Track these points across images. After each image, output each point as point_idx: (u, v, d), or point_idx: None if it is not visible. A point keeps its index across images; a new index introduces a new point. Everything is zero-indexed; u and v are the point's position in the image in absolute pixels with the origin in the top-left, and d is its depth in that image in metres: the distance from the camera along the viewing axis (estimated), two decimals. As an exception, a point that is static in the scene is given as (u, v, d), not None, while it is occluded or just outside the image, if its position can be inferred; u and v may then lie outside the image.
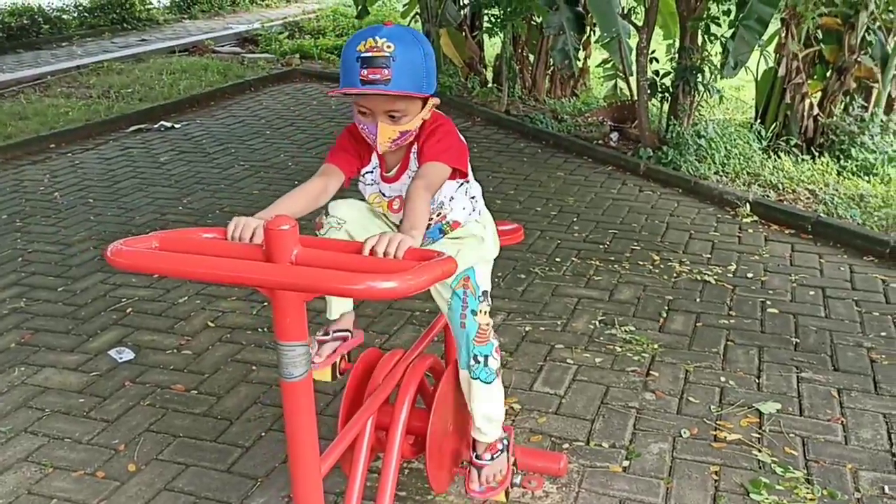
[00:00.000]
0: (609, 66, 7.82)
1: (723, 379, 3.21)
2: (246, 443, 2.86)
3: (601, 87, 8.77)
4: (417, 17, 10.18)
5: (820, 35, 6.64)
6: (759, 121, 6.64)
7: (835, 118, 6.56)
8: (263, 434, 2.91)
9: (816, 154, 6.26)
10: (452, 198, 2.16)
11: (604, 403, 3.06)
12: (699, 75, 6.16)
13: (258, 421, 2.99)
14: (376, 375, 2.06)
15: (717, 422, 2.92)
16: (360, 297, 1.37)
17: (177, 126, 7.75)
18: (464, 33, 9.19)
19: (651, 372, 3.27)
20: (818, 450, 2.76)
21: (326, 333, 2.28)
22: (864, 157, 6.16)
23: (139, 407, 3.11)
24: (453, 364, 2.21)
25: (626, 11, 6.66)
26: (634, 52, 6.37)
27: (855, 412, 2.97)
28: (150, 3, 14.96)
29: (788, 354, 3.40)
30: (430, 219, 2.21)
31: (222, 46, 12.24)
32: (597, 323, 3.69)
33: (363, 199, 2.26)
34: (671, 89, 6.38)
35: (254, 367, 3.38)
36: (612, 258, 4.43)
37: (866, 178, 5.88)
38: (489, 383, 2.20)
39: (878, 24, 6.60)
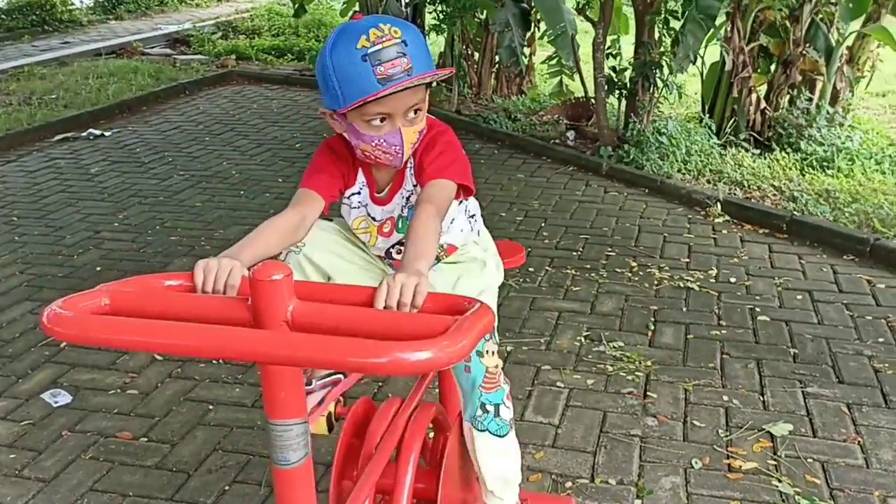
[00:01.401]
0: (554, 62, 7.62)
1: (725, 398, 2.99)
2: (207, 500, 2.51)
3: (545, 84, 8.56)
4: (357, 14, 9.83)
5: (767, 27, 6.61)
6: (708, 115, 6.52)
7: (782, 111, 6.48)
8: (227, 488, 2.56)
9: (767, 148, 6.17)
10: (453, 219, 1.86)
11: (603, 432, 2.80)
12: (658, 71, 5.97)
13: (220, 472, 2.64)
14: (373, 431, 1.75)
15: (729, 448, 2.69)
16: (386, 373, 1.06)
17: (107, 134, 7.24)
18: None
19: (649, 393, 3.02)
20: (841, 476, 2.54)
21: (310, 383, 1.95)
22: (812, 149, 6.10)
23: (81, 461, 2.72)
24: (459, 415, 1.91)
25: (580, 6, 6.43)
26: (591, 48, 6.15)
27: (870, 430, 2.77)
28: (72, 4, 14.20)
29: (789, 367, 3.19)
30: None
31: (152, 48, 11.67)
32: (582, 339, 3.43)
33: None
34: (629, 86, 6.18)
35: (210, 407, 3.02)
36: (588, 266, 4.18)
37: (828, 172, 5.80)
38: (502, 437, 1.89)
39: (820, 16, 6.56)
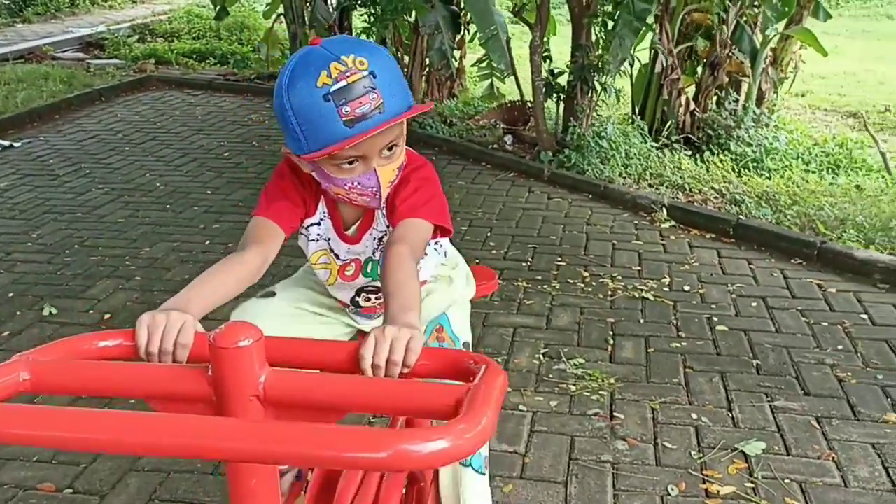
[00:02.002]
0: (484, 65, 7.49)
1: (694, 416, 2.87)
2: (146, 559, 2.26)
3: (475, 87, 8.43)
4: (281, 18, 9.53)
5: (694, 30, 6.65)
6: (639, 117, 6.49)
7: (710, 113, 6.52)
8: (168, 543, 2.31)
9: (697, 149, 6.18)
10: (425, 254, 1.67)
11: (573, 459, 2.64)
12: (597, 74, 5.89)
13: (159, 525, 2.38)
14: (343, 490, 1.53)
15: (704, 472, 2.57)
16: (392, 469, 0.86)
17: (16, 144, 6.76)
18: (334, 35, 8.63)
19: (615, 413, 2.89)
20: (820, 496, 2.45)
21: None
22: (742, 150, 6.16)
23: (-3, 520, 2.42)
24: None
25: (516, 9, 6.31)
26: (528, 51, 6.03)
27: (843, 445, 2.69)
28: (-26, 6, 13.43)
29: (753, 380, 3.10)
30: (381, 290, 1.72)
31: (63, 52, 11.07)
32: (541, 357, 3.28)
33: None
34: (567, 89, 6.09)
35: (144, 449, 2.74)
36: (540, 277, 4.04)
37: (762, 174, 5.83)
38: (482, 475, 1.72)
39: (744, 19, 6.62)
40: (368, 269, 1.66)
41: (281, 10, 9.60)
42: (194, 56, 10.72)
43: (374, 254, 1.64)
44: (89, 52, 11.22)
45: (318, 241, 1.63)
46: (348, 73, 1.30)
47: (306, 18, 8.94)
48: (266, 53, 9.75)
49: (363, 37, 7.57)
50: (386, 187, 1.44)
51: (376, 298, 1.73)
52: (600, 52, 5.86)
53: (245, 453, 0.82)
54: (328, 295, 1.77)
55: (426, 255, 1.65)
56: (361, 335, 1.81)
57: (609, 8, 5.87)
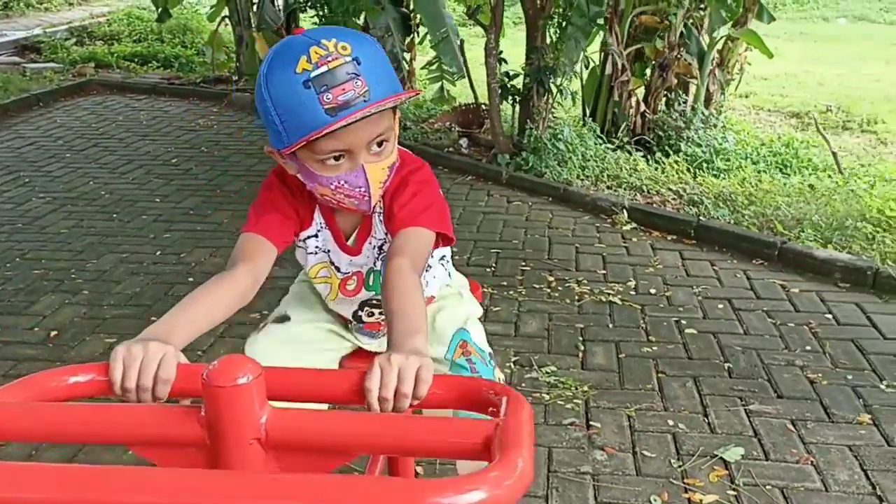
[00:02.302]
0: (434, 67, 7.42)
1: (671, 422, 2.83)
2: None
3: (426, 89, 8.36)
4: (227, 20, 9.31)
5: (643, 32, 6.70)
6: (590, 118, 6.50)
7: (660, 114, 6.56)
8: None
9: (648, 150, 6.21)
10: (429, 266, 1.57)
11: (552, 472, 2.57)
12: (552, 76, 5.86)
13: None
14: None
15: (685, 480, 2.52)
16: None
17: (-51, 153, 6.46)
18: (281, 38, 8.45)
19: (591, 423, 2.83)
20: (802, 502, 2.42)
21: None
22: (692, 151, 6.21)
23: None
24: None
25: (471, 11, 6.25)
26: (483, 53, 5.97)
27: (820, 448, 2.68)
28: None
29: (726, 383, 3.08)
30: None
31: (-3, 56, 10.65)
32: (512, 365, 3.21)
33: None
34: (523, 91, 6.04)
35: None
36: (505, 283, 3.97)
37: (716, 174, 5.87)
38: None
39: (691, 21, 6.69)
40: (371, 282, 1.56)
41: (226, 12, 9.38)
42: (136, 59, 10.42)
43: (375, 264, 1.54)
44: (25, 56, 10.81)
45: (316, 253, 1.53)
46: (329, 59, 1.21)
47: (252, 21, 8.75)
48: (211, 56, 9.51)
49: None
50: (376, 188, 1.34)
51: (380, 313, 1.63)
52: (556, 54, 5.82)
53: (256, 512, 0.72)
54: (328, 310, 1.67)
55: (429, 268, 1.56)
56: (356, 356, 1.71)
57: (563, 9, 5.85)
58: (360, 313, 1.62)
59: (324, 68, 1.20)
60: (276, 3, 8.25)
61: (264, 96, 1.25)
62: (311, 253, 1.53)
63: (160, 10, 9.33)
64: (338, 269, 1.54)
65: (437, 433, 0.84)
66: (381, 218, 1.47)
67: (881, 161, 7.12)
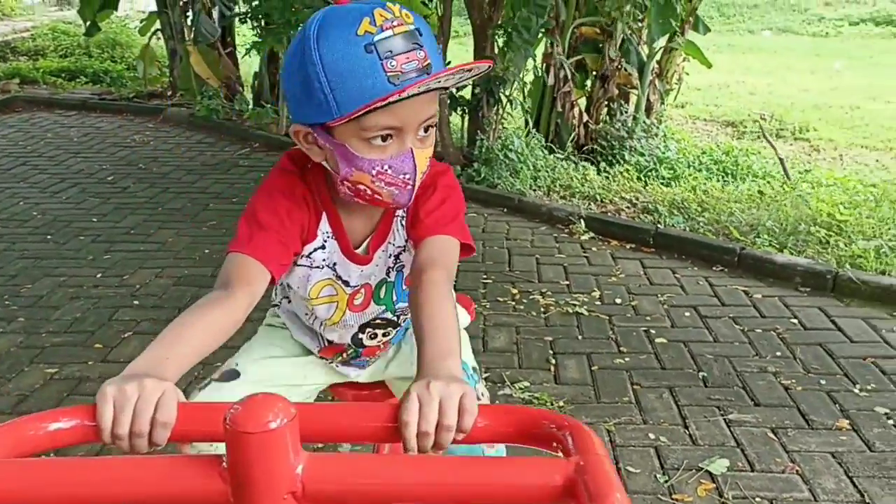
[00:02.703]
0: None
1: (651, 436, 2.75)
2: None
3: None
4: (159, 34, 9.02)
5: (583, 43, 6.74)
6: (534, 129, 6.48)
7: (603, 124, 6.58)
8: None
9: (591, 160, 6.21)
10: None
11: (536, 493, 2.45)
12: (502, 86, 5.81)
13: None
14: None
15: (673, 496, 2.44)
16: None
17: None
18: (217, 51, 8.23)
19: (571, 439, 2.72)
20: (794, 513, 2.37)
21: None
22: (635, 160, 6.25)
23: None
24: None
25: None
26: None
27: (803, 456, 2.63)
28: None
29: (702, 393, 3.02)
30: (394, 319, 1.47)
31: (-88, 72, 10.11)
32: (485, 382, 3.09)
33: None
34: (472, 101, 5.97)
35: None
36: (469, 297, 3.85)
37: (666, 182, 5.90)
38: None
39: (630, 32, 6.75)
40: (381, 295, 1.40)
41: (158, 25, 9.11)
42: (63, 75, 10.04)
43: (388, 274, 1.38)
44: (-57, 73, 10.30)
45: (321, 268, 1.35)
46: (395, 23, 1.07)
47: (187, 34, 8.50)
48: (143, 71, 9.22)
49: (254, 51, 7.23)
50: (420, 176, 1.19)
51: (384, 335, 1.48)
52: (505, 63, 5.77)
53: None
54: (303, 349, 1.52)
55: None
56: (358, 387, 1.57)
57: (511, 17, 5.82)
58: (360, 336, 1.47)
59: (389, 32, 1.07)
60: (212, 16, 8.02)
61: (312, 59, 1.08)
62: (317, 267, 1.35)
63: (88, 23, 9.00)
64: (346, 283, 1.37)
65: (505, 475, 0.71)
66: (402, 221, 1.33)
67: (816, 167, 7.30)
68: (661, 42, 6.97)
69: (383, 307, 1.42)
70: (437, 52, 1.12)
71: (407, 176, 1.17)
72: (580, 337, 3.47)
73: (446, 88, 1.18)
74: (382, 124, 1.12)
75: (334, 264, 1.35)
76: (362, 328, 1.45)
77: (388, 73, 1.06)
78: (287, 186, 1.27)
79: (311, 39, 1.09)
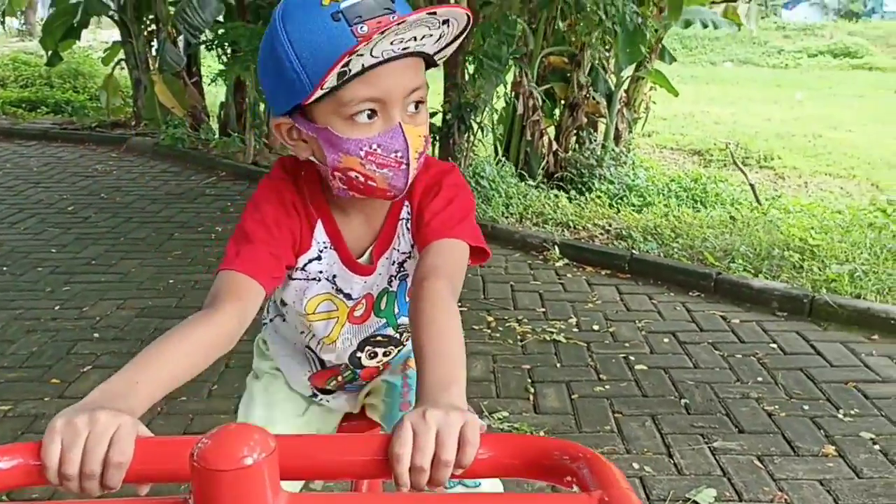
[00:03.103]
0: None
1: (636, 465, 2.65)
2: None
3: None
4: (122, 63, 8.90)
5: (552, 72, 6.76)
6: (504, 157, 6.45)
7: (572, 153, 6.58)
8: None
9: (561, 188, 6.19)
10: None
11: (520, 528, 2.35)
12: (473, 113, 5.77)
13: None
14: None
15: (662, 528, 2.35)
16: None
17: None
18: (182, 80, 8.12)
19: (554, 471, 2.62)
20: (786, 544, 2.28)
21: None
22: (605, 187, 6.24)
23: None
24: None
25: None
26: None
27: (791, 484, 2.55)
28: None
29: (685, 420, 2.94)
30: (396, 336, 1.37)
31: None
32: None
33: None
34: (443, 128, 5.92)
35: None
36: (442, 325, 3.75)
37: (635, 209, 5.89)
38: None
39: (598, 62, 6.79)
40: (382, 306, 1.29)
41: (122, 55, 8.99)
42: (23, 105, 9.86)
43: (390, 283, 1.28)
44: None
45: (319, 280, 1.25)
46: None
47: (151, 64, 8.39)
48: (107, 101, 9.07)
49: (220, 80, 7.14)
50: (415, 156, 1.09)
51: (384, 354, 1.37)
52: (475, 90, 5.74)
53: None
54: (300, 399, 1.43)
55: None
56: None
57: (481, 44, 5.80)
58: (358, 355, 1.36)
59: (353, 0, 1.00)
60: (177, 44, 7.92)
61: (281, 40, 1.02)
62: (314, 280, 1.24)
63: (50, 53, 8.88)
64: (348, 296, 1.27)
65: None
66: (407, 223, 1.23)
67: (783, 194, 7.37)
68: (629, 71, 7.02)
69: (384, 320, 1.31)
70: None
71: (399, 154, 1.07)
72: (558, 365, 3.38)
73: (429, 57, 1.09)
74: (362, 96, 1.04)
75: (334, 276, 1.25)
76: (361, 346, 1.34)
77: (359, 38, 0.99)
78: (274, 194, 1.18)
79: (278, 21, 1.04)
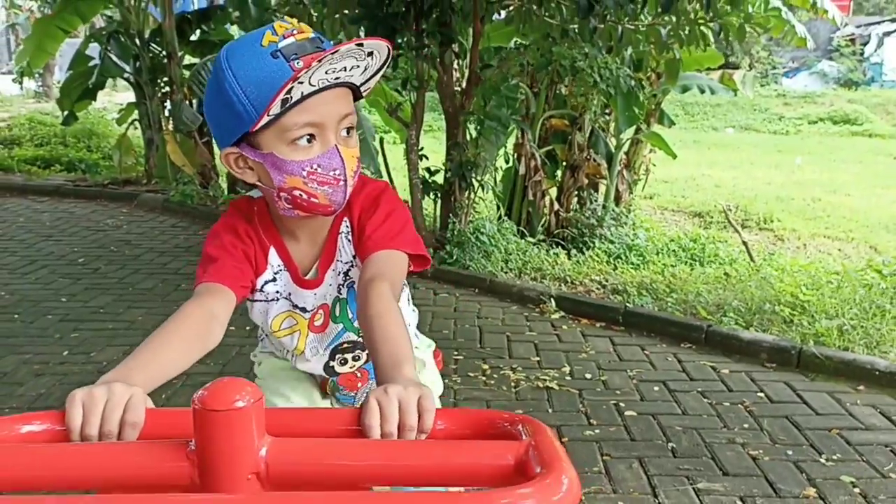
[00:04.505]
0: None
1: (622, 504, 2.74)
2: None
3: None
4: (136, 123, 9.20)
5: (553, 135, 6.97)
6: (506, 217, 6.62)
7: (574, 213, 6.74)
8: None
9: (562, 247, 6.33)
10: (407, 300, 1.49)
11: (506, 561, 2.42)
12: (474, 171, 5.96)
13: None
14: None
15: (645, 563, 2.42)
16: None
17: None
18: (193, 139, 8.38)
19: (542, 508, 2.70)
20: (765, 579, 2.35)
21: None
22: (606, 247, 6.37)
23: None
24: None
25: (393, 107, 6.35)
26: (405, 149, 6.05)
27: (773, 523, 2.63)
28: None
29: (672, 463, 3.03)
30: (359, 340, 1.50)
31: None
32: (454, 454, 3.07)
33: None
34: (444, 186, 6.11)
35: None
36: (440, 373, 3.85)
37: (636, 265, 6.02)
38: None
39: (598, 125, 7.01)
40: (337, 312, 1.44)
41: (136, 115, 9.29)
42: (38, 163, 10.13)
43: (339, 291, 1.43)
44: (-82, 160, 10.34)
45: (277, 300, 1.41)
46: (295, 31, 1.16)
47: (164, 124, 8.67)
48: (119, 159, 9.34)
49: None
50: (351, 172, 1.25)
51: (353, 359, 1.51)
52: (477, 149, 5.95)
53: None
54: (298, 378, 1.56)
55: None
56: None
57: (483, 105, 6.03)
58: (331, 364, 1.50)
59: (291, 39, 1.16)
60: (192, 104, 8.21)
61: (227, 77, 1.17)
62: (272, 300, 1.41)
63: (66, 113, 9.17)
64: (304, 309, 1.43)
65: (462, 456, 0.74)
66: (350, 238, 1.39)
67: (781, 255, 7.48)
68: (629, 134, 7.23)
69: (341, 325, 1.46)
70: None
71: (337, 172, 1.23)
72: (550, 410, 3.47)
73: (357, 87, 1.25)
74: (302, 121, 1.19)
75: (289, 294, 1.41)
76: (332, 355, 1.48)
77: (297, 70, 1.14)
78: (230, 227, 1.35)
79: (223, 61, 1.19)
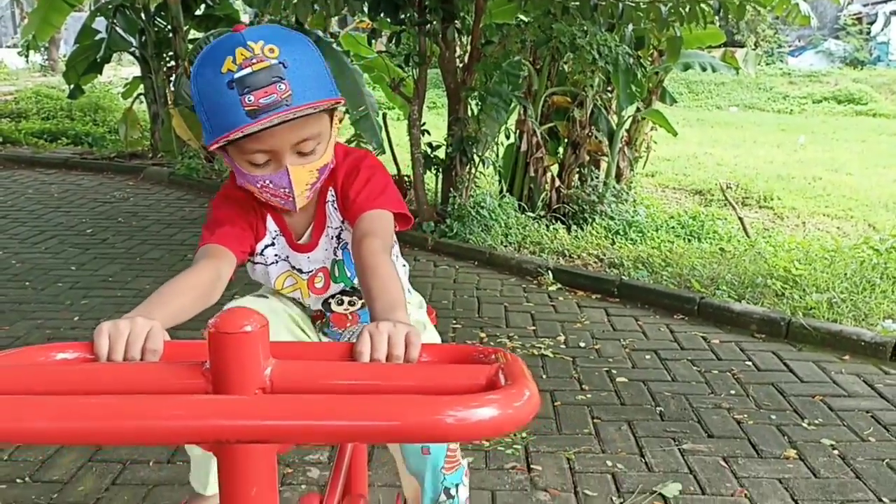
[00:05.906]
0: (353, 145, 7.52)
1: (609, 463, 2.86)
2: None
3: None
4: (141, 98, 9.29)
5: (555, 111, 7.03)
6: (508, 192, 6.71)
7: (574, 189, 6.83)
8: None
9: (563, 223, 6.42)
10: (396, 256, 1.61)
11: (497, 514, 2.56)
12: (475, 146, 6.05)
13: None
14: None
15: (629, 516, 2.55)
16: (436, 440, 0.78)
17: None
18: (193, 111, 8.47)
19: (532, 466, 2.83)
20: (742, 531, 2.48)
21: None
22: (606, 223, 6.47)
23: None
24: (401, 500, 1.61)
25: (396, 82, 6.43)
26: (407, 125, 6.14)
27: (752, 482, 2.75)
28: None
29: (659, 426, 3.15)
30: (357, 293, 1.63)
31: None
32: (450, 416, 3.20)
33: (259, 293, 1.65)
34: (445, 161, 6.21)
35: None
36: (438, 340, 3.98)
37: (633, 240, 6.13)
38: None
39: (600, 102, 7.08)
40: (337, 274, 1.57)
41: (141, 90, 9.38)
42: (45, 136, 10.23)
43: (336, 254, 1.56)
44: (-73, 132, 10.45)
45: (277, 262, 1.55)
46: (254, 61, 1.22)
47: (168, 98, 8.75)
48: (125, 133, 9.44)
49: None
50: (301, 189, 1.37)
51: (349, 304, 1.63)
52: (477, 125, 6.03)
53: (281, 433, 0.72)
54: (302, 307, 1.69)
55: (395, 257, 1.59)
56: None
57: (484, 81, 6.11)
58: (329, 301, 1.63)
59: (247, 70, 1.22)
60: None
61: (195, 91, 1.27)
62: (272, 263, 1.54)
63: (72, 86, 9.26)
64: (300, 271, 1.56)
65: (440, 378, 0.86)
66: (336, 206, 1.50)
67: (779, 233, 7.56)
68: (631, 111, 7.29)
69: (342, 284, 1.58)
70: (307, 79, 1.27)
71: (285, 190, 1.36)
72: (544, 376, 3.60)
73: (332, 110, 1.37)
74: (254, 149, 1.31)
75: (287, 257, 1.55)
76: (332, 296, 1.61)
77: (246, 108, 1.23)
78: (232, 196, 1.48)
79: (193, 73, 1.29)
